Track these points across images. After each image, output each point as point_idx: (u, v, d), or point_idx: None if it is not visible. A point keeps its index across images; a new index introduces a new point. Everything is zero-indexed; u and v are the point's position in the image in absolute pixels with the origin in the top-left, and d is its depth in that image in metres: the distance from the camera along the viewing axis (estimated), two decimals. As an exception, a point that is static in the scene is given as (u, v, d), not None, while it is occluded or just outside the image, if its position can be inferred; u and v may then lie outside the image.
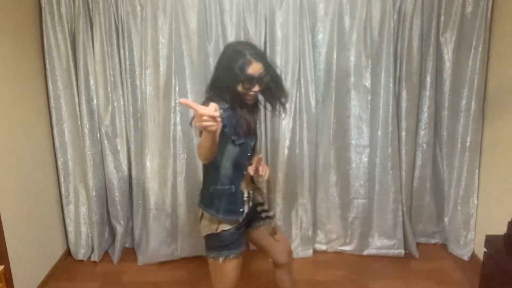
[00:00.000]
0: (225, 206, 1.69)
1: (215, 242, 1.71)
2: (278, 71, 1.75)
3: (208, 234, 1.72)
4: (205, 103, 1.49)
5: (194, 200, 2.72)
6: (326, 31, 2.58)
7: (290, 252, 2.00)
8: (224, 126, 1.54)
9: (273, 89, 1.71)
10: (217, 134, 1.40)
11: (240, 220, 1.70)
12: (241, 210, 1.70)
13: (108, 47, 2.56)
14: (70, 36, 2.56)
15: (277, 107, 1.78)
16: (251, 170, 1.70)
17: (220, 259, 1.69)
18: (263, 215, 1.87)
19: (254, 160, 1.74)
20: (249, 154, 1.70)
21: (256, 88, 1.62)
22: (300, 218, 2.81)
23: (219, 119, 1.33)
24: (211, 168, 1.69)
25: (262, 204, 1.88)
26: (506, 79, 2.41)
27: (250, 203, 1.75)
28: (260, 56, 1.64)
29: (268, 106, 1.80)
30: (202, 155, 1.53)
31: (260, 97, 1.77)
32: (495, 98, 2.53)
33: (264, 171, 1.71)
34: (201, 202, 1.77)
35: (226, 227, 1.68)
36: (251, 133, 1.69)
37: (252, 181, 1.81)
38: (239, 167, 1.68)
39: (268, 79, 1.65)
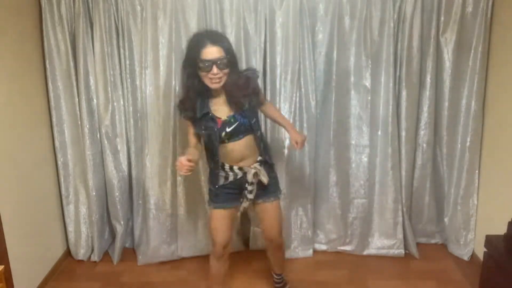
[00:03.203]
0: (210, 178, 2.10)
1: (209, 195, 2.15)
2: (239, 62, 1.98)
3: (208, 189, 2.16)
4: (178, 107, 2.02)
5: (194, 200, 2.75)
6: (326, 31, 2.58)
7: (274, 236, 2.19)
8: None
9: (235, 80, 1.90)
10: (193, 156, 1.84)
11: (216, 187, 2.06)
12: (216, 186, 2.06)
13: (108, 47, 2.56)
14: (70, 36, 2.56)
15: (243, 101, 1.94)
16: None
17: (208, 207, 2.20)
18: (249, 196, 2.04)
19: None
20: (217, 140, 1.94)
21: (215, 71, 1.80)
22: (300, 218, 2.81)
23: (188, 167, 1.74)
24: None
25: (251, 184, 2.02)
26: (506, 79, 2.40)
27: (231, 176, 2.02)
28: (217, 40, 1.84)
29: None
30: None
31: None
32: (495, 98, 2.53)
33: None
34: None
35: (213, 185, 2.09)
36: (209, 118, 1.93)
37: (262, 161, 2.04)
38: (211, 150, 2.00)
39: (229, 64, 1.84)
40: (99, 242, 2.82)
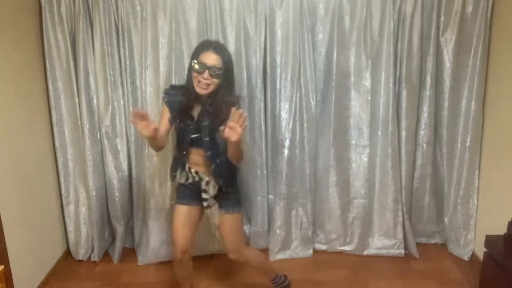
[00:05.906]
0: (172, 166, 2.09)
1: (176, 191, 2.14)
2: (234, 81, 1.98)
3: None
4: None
5: (194, 200, 2.74)
6: (326, 31, 2.58)
7: (228, 250, 2.08)
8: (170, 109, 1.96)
9: (223, 94, 1.87)
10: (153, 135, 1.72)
11: (172, 179, 2.10)
12: (174, 174, 2.07)
13: (108, 47, 2.56)
14: (70, 36, 2.56)
15: (217, 121, 1.84)
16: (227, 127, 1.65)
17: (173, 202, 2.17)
18: (204, 203, 2.01)
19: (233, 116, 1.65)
20: (191, 137, 1.93)
21: (206, 76, 1.81)
22: (300, 218, 2.81)
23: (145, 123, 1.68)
24: None
25: (205, 191, 1.99)
26: (506, 79, 2.41)
27: (190, 178, 2.02)
28: (220, 50, 1.86)
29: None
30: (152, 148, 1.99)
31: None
32: (495, 98, 2.53)
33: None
34: None
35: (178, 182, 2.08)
36: (188, 119, 1.93)
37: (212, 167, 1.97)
38: (180, 145, 2.00)
39: (222, 78, 1.84)
40: (99, 242, 2.82)
